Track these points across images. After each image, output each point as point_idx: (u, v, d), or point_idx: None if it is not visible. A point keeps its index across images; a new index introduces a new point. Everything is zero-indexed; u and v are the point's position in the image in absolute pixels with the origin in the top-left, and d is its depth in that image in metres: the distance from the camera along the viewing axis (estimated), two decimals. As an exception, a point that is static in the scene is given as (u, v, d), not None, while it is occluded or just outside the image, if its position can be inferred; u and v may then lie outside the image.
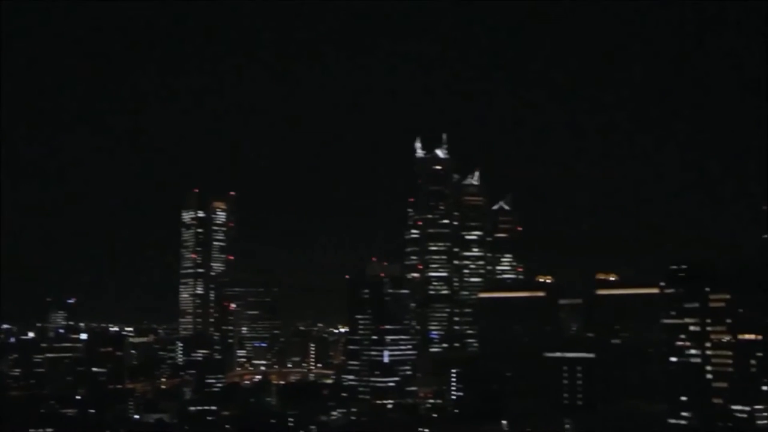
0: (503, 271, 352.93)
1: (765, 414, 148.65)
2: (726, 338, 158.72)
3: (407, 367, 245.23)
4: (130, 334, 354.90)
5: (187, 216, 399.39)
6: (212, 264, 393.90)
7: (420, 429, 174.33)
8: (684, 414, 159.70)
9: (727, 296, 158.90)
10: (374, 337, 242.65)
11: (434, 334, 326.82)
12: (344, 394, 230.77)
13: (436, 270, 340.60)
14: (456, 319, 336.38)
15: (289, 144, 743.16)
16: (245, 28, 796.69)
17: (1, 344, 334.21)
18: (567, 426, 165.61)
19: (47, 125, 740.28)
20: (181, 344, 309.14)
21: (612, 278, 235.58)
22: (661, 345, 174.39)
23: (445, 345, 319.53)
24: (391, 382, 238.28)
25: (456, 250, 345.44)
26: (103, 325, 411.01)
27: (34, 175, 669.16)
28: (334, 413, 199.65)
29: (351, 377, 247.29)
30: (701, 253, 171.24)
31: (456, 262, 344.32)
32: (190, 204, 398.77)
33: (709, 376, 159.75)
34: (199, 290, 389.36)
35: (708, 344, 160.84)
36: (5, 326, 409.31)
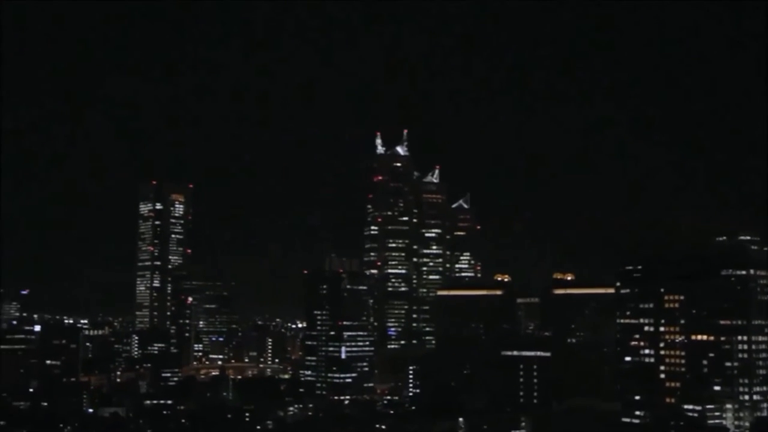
0: (462, 269, 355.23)
1: (716, 414, 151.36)
2: (679, 338, 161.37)
3: (365, 364, 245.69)
4: (85, 326, 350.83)
5: (144, 208, 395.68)
6: (170, 257, 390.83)
7: (376, 425, 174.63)
8: (637, 413, 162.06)
9: (681, 297, 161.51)
10: (332, 333, 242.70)
11: (392, 331, 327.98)
12: (301, 390, 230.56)
13: (394, 267, 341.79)
14: (414, 316, 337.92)
15: (248, 136, 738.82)
16: (217, 17, 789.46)
17: None
18: (522, 423, 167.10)
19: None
20: (137, 337, 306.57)
21: (569, 278, 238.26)
22: (615, 344, 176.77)
23: (402, 342, 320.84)
24: (348, 378, 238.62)
25: (415, 247, 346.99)
26: (57, 317, 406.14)
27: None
28: (291, 409, 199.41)
29: (308, 373, 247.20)
30: (656, 250, 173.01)
31: (415, 259, 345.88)
32: (147, 195, 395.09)
33: (663, 375, 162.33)
34: (156, 283, 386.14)
35: (662, 344, 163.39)
36: None
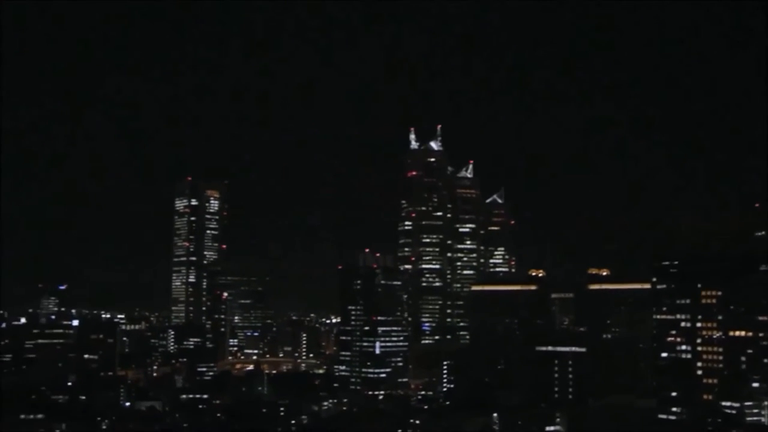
0: (496, 264, 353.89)
1: (754, 411, 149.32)
2: (717, 334, 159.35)
3: (399, 359, 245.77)
4: (122, 321, 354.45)
5: (180, 204, 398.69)
6: (205, 252, 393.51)
7: (411, 420, 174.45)
8: (674, 409, 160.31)
9: (719, 293, 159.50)
10: (366, 328, 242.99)
11: (426, 326, 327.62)
12: (336, 385, 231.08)
13: (428, 262, 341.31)
14: (448, 311, 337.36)
15: (283, 134, 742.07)
16: (242, 13, 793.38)
17: None
18: (557, 419, 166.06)
19: (40, 114, 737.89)
20: (173, 332, 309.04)
21: (604, 273, 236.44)
22: (651, 340, 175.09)
23: (437, 337, 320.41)
24: (382, 373, 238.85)
25: (449, 242, 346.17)
26: (95, 312, 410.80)
27: (27, 162, 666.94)
28: (325, 403, 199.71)
29: (342, 368, 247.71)
30: (695, 249, 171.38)
31: (449, 254, 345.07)
32: (183, 192, 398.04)
33: (699, 372, 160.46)
34: (192, 278, 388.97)
35: (699, 340, 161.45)
36: None
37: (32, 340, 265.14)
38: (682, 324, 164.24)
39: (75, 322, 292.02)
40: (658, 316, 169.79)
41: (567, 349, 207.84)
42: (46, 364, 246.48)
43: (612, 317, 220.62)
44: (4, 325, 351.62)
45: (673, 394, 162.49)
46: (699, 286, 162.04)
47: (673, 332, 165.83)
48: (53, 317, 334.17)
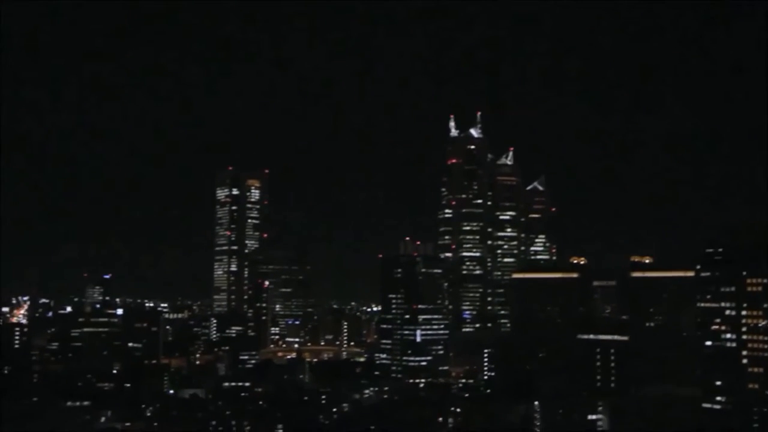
0: (537, 252, 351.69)
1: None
2: (762, 323, 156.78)
3: (439, 347, 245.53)
4: (165, 310, 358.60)
5: (221, 193, 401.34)
6: (246, 241, 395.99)
7: (452, 408, 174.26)
8: (718, 398, 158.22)
9: (765, 281, 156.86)
10: (407, 317, 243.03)
11: (467, 314, 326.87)
12: (377, 373, 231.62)
13: (469, 250, 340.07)
14: (489, 299, 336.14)
15: (324, 122, 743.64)
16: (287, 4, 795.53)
17: (40, 319, 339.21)
18: (599, 408, 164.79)
19: (85, 95, 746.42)
20: (216, 321, 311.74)
21: (647, 260, 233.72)
22: (695, 329, 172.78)
23: (477, 325, 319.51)
24: (423, 361, 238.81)
25: (489, 230, 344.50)
26: (138, 301, 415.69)
27: (70, 151, 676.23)
28: (366, 391, 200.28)
29: (384, 356, 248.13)
30: (737, 235, 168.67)
31: (489, 242, 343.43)
32: (224, 181, 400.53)
33: (745, 360, 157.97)
34: (234, 267, 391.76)
35: (744, 329, 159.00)
36: (43, 301, 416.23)
37: (78, 329, 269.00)
38: (727, 312, 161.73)
39: (119, 311, 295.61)
40: (702, 304, 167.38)
41: (609, 337, 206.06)
42: (92, 352, 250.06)
43: (655, 305, 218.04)
44: (50, 314, 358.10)
45: (718, 383, 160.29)
46: (744, 273, 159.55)
47: (718, 320, 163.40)
48: (98, 306, 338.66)
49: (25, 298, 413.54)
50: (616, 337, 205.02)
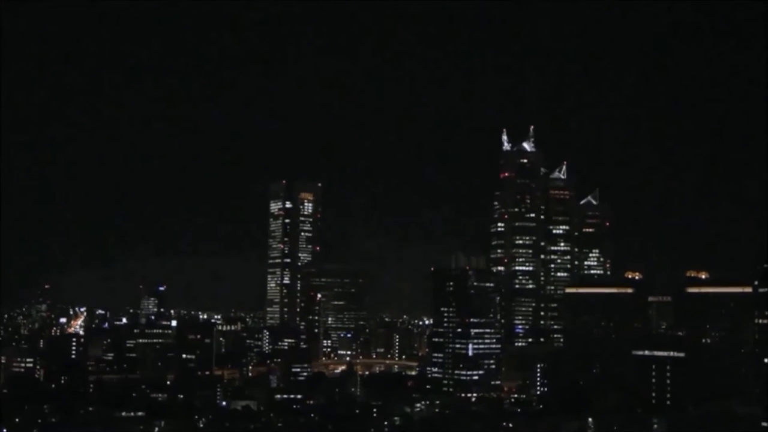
0: (590, 267, 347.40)
1: None
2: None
3: (492, 361, 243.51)
4: (219, 322, 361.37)
5: (274, 207, 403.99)
6: (299, 254, 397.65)
7: (504, 423, 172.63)
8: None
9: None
10: (459, 330, 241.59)
11: (519, 329, 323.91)
12: (428, 386, 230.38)
13: (522, 264, 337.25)
14: (541, 313, 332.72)
15: (377, 135, 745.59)
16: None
17: (96, 329, 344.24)
18: (655, 426, 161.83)
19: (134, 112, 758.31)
20: (268, 333, 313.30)
21: (703, 276, 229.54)
22: (754, 345, 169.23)
23: (530, 339, 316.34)
24: (475, 375, 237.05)
25: (542, 244, 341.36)
26: (192, 313, 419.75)
27: (128, 172, 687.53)
28: (418, 405, 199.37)
29: (435, 369, 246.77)
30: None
31: (542, 256, 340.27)
32: (278, 194, 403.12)
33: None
34: (286, 280, 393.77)
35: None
36: (99, 312, 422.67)
37: (133, 340, 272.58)
38: None
39: (174, 323, 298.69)
40: (761, 321, 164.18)
41: (665, 353, 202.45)
42: (146, 363, 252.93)
43: (712, 321, 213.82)
44: (106, 324, 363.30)
45: None
46: None
47: None
48: (153, 318, 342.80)
49: (82, 309, 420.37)
50: (671, 353, 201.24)
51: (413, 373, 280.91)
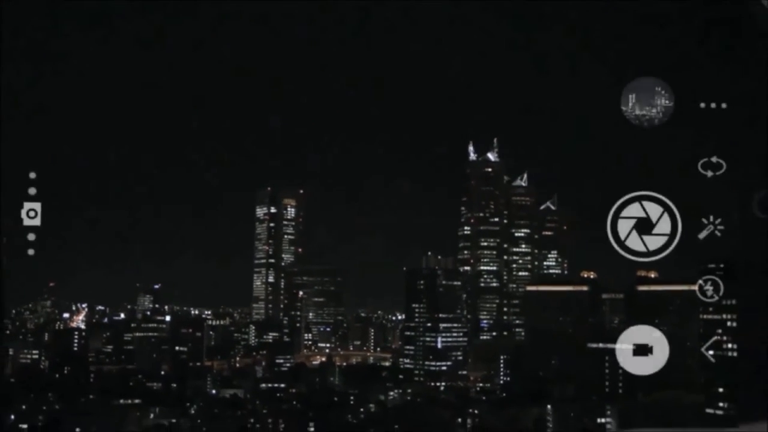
0: (549, 267, 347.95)
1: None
2: (762, 334, 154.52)
3: (458, 353, 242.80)
4: (209, 317, 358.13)
5: (260, 211, 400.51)
6: (283, 255, 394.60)
7: (469, 410, 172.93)
8: (720, 404, 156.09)
9: (766, 294, 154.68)
10: (429, 325, 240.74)
11: (484, 323, 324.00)
12: (401, 376, 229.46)
13: (486, 264, 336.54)
14: (505, 309, 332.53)
15: (354, 143, 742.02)
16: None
17: (96, 324, 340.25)
18: (608, 412, 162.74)
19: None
20: (254, 327, 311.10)
21: (652, 275, 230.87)
22: (698, 339, 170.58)
23: (494, 333, 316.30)
24: (443, 366, 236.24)
25: (505, 246, 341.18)
26: (185, 309, 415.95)
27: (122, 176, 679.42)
28: (391, 393, 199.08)
29: (407, 361, 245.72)
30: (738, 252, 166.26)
31: (505, 257, 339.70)
32: (263, 200, 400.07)
33: (743, 368, 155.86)
34: (271, 279, 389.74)
35: (743, 339, 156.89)
36: (99, 308, 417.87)
37: (130, 333, 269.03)
38: (728, 324, 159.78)
39: (167, 318, 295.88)
40: (705, 316, 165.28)
41: (617, 346, 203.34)
42: (142, 354, 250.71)
43: (660, 317, 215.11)
44: (106, 319, 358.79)
45: (720, 390, 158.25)
46: (744, 287, 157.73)
47: (719, 331, 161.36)
48: (148, 313, 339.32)
49: (84, 305, 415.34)
50: (623, 346, 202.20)
51: (387, 364, 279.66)
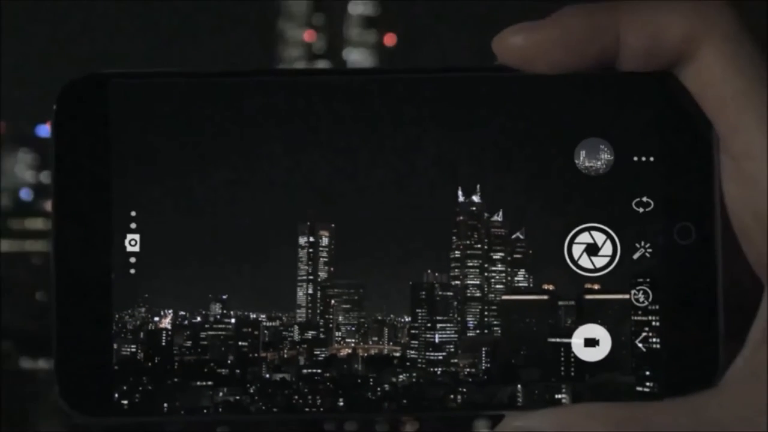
0: (519, 281, 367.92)
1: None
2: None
3: (451, 346, 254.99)
4: (263, 319, 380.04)
5: (301, 240, 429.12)
6: (319, 273, 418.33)
7: (459, 389, 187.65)
8: (647, 384, 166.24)
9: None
10: (428, 325, 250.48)
11: (470, 324, 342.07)
12: (407, 364, 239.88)
13: (472, 279, 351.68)
14: (486, 313, 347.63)
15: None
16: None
17: (179, 325, 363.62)
18: (563, 390, 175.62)
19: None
20: (298, 327, 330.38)
21: (596, 287, 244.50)
22: (632, 335, 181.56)
23: (477, 331, 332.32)
24: (440, 356, 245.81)
25: (486, 266, 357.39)
26: (245, 313, 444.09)
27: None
28: (401, 377, 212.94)
29: (413, 352, 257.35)
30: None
31: (486, 274, 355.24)
32: (303, 232, 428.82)
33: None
34: (310, 291, 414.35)
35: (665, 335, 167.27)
36: (181, 313, 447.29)
37: (204, 332, 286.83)
38: (654, 323, 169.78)
39: (232, 320, 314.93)
40: (635, 318, 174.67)
41: (569, 340, 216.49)
42: (214, 348, 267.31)
43: (603, 318, 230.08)
44: (186, 321, 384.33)
45: (647, 373, 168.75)
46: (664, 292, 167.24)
47: (647, 329, 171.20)
48: (218, 316, 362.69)
49: (169, 311, 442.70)
50: (576, 340, 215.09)
51: (397, 354, 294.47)
